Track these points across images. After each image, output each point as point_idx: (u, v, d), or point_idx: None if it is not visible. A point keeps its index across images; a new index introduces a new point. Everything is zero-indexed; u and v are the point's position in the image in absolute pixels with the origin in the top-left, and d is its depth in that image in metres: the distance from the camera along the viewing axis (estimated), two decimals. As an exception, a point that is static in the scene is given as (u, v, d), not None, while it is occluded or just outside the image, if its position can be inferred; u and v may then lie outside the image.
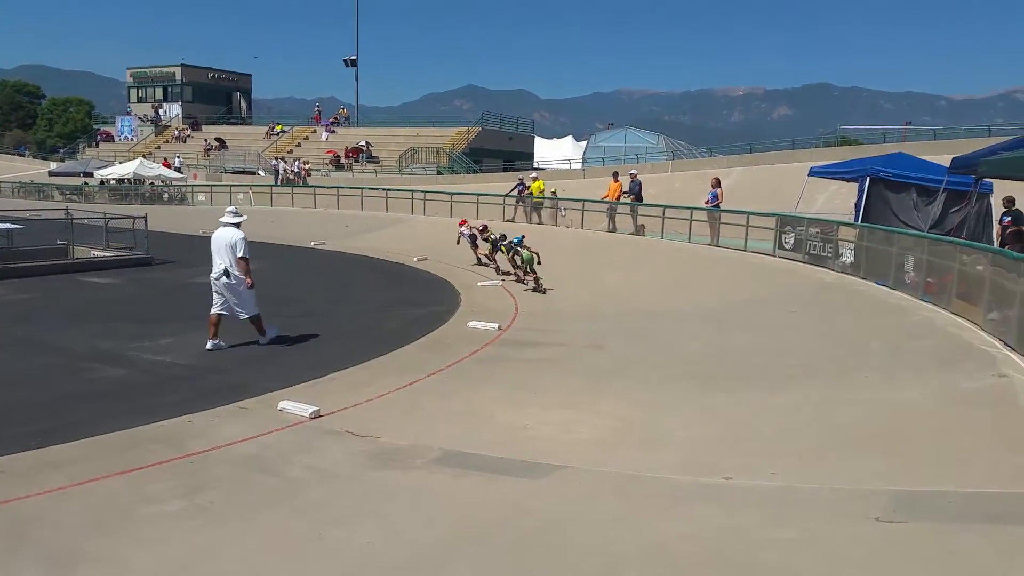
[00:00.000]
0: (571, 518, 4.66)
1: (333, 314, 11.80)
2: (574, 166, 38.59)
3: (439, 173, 37.57)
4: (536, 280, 14.50)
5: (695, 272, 14.97)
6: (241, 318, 9.50)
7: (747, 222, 16.16)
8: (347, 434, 6.32)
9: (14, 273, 14.78)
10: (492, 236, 16.77)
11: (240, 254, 9.20)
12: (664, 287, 14.15)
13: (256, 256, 11.06)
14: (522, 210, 23.68)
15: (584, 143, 50.65)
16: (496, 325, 10.74)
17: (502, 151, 43.91)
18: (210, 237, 9.62)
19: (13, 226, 17.06)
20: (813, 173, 18.02)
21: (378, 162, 41.82)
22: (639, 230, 19.36)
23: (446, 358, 9.08)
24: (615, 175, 21.65)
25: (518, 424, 6.60)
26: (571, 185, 28.22)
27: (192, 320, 11.29)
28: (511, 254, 15.23)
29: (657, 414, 6.92)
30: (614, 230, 20.08)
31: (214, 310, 9.37)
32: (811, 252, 14.45)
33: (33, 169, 49.77)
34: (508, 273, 15.81)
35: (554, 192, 23.79)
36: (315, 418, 6.69)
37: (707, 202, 18.37)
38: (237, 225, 9.43)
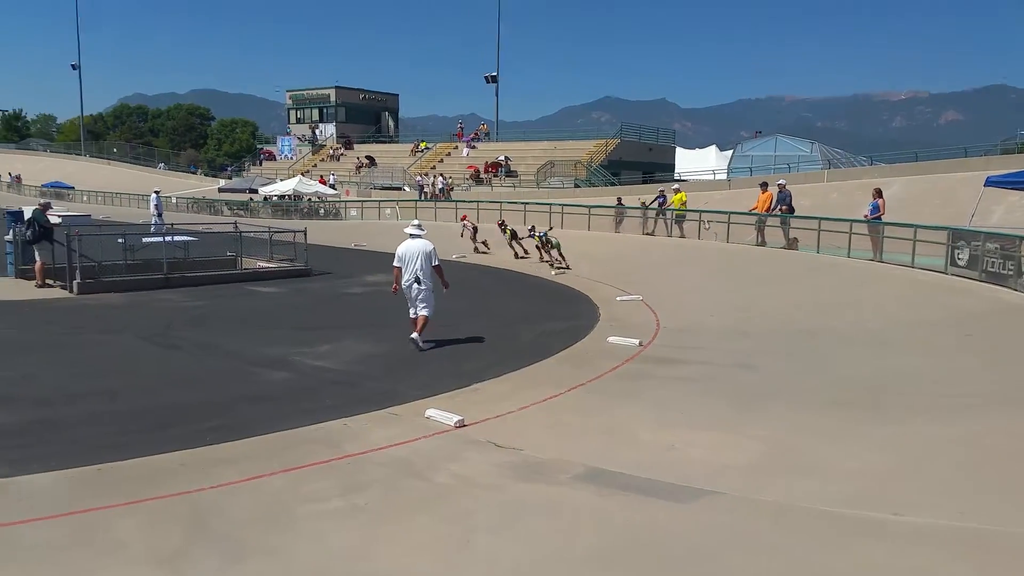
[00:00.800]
0: (723, 545, 4.48)
1: (473, 326, 12.04)
2: (719, 177, 37.52)
3: (576, 186, 37.65)
4: (564, 260, 20.09)
5: (855, 289, 14.08)
6: (418, 313, 10.33)
7: (914, 236, 15.02)
8: (491, 445, 6.41)
9: (190, 282, 16.12)
10: (511, 228, 22.90)
11: (435, 262, 10.34)
12: (820, 305, 13.41)
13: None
14: (663, 223, 23.22)
15: (729, 153, 49.18)
16: (637, 341, 10.57)
17: (642, 163, 43.44)
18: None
19: (189, 238, 18.60)
20: (990, 183, 16.61)
21: (516, 176, 42.46)
22: (791, 244, 18.47)
23: (586, 373, 9.03)
24: (763, 185, 20.79)
25: (663, 444, 6.44)
26: (715, 197, 27.47)
27: (346, 328, 11.92)
28: (543, 242, 20.59)
29: (814, 441, 6.55)
30: (763, 244, 19.29)
31: (412, 314, 10.41)
32: (989, 270, 13.24)
33: (204, 186, 54.15)
34: (522, 257, 22.36)
35: (683, 203, 23.11)
36: (460, 427, 6.83)
37: (867, 215, 17.31)
38: (422, 237, 10.47)
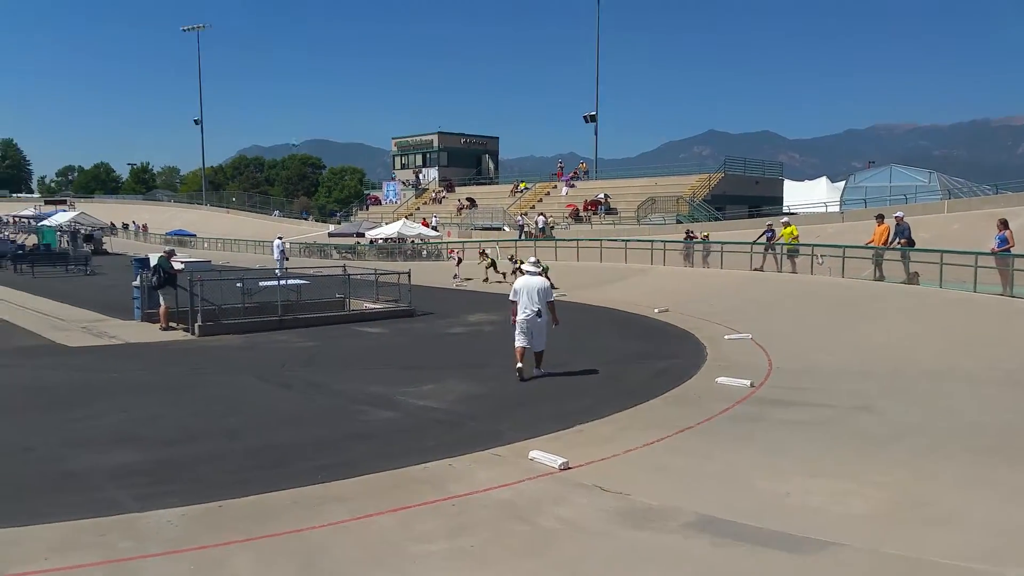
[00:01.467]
0: (850, 601, 4.19)
1: (575, 365, 11.92)
2: (831, 209, 36.17)
3: (679, 222, 37.09)
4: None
5: (985, 326, 13.15)
6: (536, 350, 10.85)
7: (1051, 269, 13.96)
8: (596, 488, 6.26)
9: (302, 323, 16.74)
10: (489, 257, 28.30)
11: (551, 299, 10.92)
12: (946, 343, 12.57)
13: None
14: (772, 258, 22.51)
15: (841, 184, 47.43)
16: (748, 382, 10.18)
17: (747, 196, 42.43)
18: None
19: (301, 281, 19.37)
20: None
21: (616, 213, 42.27)
22: (912, 278, 17.47)
23: (695, 415, 8.75)
24: (880, 217, 19.86)
25: (780, 491, 6.12)
26: (827, 230, 26.45)
27: (449, 368, 12.04)
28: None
29: (947, 490, 6.08)
30: (882, 278, 18.35)
31: (519, 344, 10.78)
32: None
33: (315, 231, 56.46)
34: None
35: (794, 237, 22.39)
36: (564, 470, 6.72)
37: (994, 248, 16.20)
38: (539, 273, 11.08)
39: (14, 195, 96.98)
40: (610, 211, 42.80)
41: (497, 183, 60.68)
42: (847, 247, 19.83)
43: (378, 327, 16.69)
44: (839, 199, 40.17)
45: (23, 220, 55.08)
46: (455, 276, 29.37)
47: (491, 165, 66.14)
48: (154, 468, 6.94)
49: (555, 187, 51.10)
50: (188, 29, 77.15)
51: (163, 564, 4.87)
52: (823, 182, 63.41)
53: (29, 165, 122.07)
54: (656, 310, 18.58)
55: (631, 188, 45.77)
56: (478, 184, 60.02)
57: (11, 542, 5.17)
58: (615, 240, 30.56)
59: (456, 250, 32.61)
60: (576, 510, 5.81)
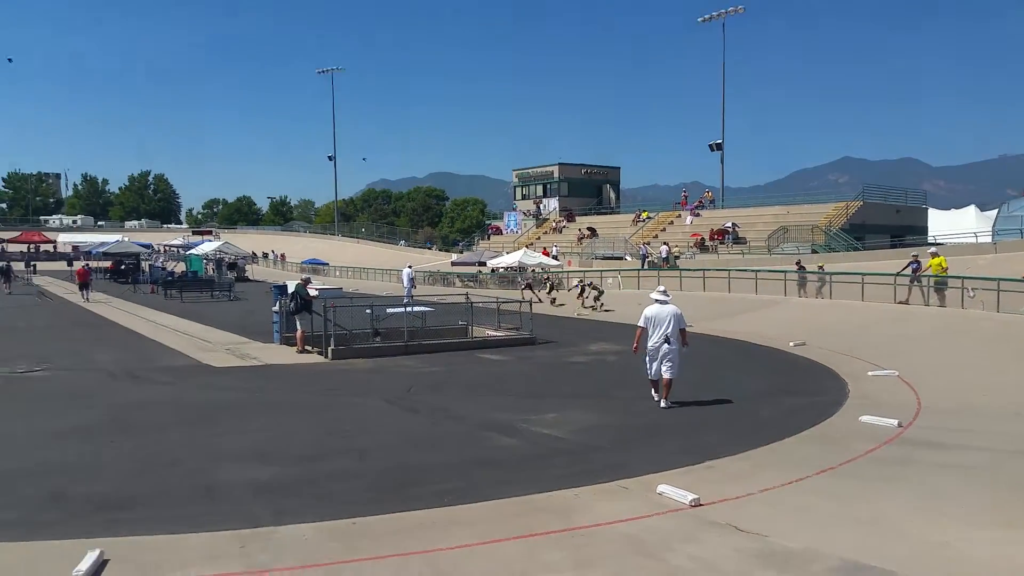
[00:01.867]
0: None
1: (705, 398, 11.55)
2: (982, 240, 33.63)
3: (814, 252, 35.53)
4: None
5: None
6: (666, 376, 10.79)
7: None
8: (730, 528, 5.98)
9: (426, 349, 17.11)
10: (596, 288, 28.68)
11: (683, 326, 10.96)
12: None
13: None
14: (918, 290, 21.12)
15: (992, 213, 44.11)
16: (895, 421, 9.51)
17: (888, 226, 40.12)
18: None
19: (426, 309, 19.85)
20: None
21: (745, 243, 41.00)
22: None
23: (837, 455, 8.24)
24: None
25: (935, 540, 5.64)
26: (979, 262, 24.65)
27: (572, 397, 11.93)
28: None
29: None
30: (1045, 313, 16.83)
31: (652, 374, 10.98)
32: None
33: (439, 260, 57.87)
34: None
35: (943, 268, 20.88)
36: (695, 506, 6.47)
37: None
38: (667, 302, 11.00)
39: (165, 226, 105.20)
40: (738, 240, 41.60)
41: (619, 212, 60.36)
42: (1002, 279, 18.35)
43: (500, 354, 16.81)
44: (991, 229, 37.29)
45: (173, 249, 59.46)
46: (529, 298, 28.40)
47: (612, 194, 65.92)
48: (290, 483, 7.22)
49: (679, 216, 50.25)
50: (323, 72, 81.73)
51: (298, 578, 5.02)
52: (971, 211, 59.11)
53: (178, 198, 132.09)
54: (791, 343, 17.79)
55: (760, 217, 44.35)
56: (599, 214, 59.92)
57: (163, 549, 5.49)
58: (744, 270, 29.61)
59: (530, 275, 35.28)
60: (708, 549, 5.56)
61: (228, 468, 7.71)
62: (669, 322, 10.77)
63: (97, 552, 5.13)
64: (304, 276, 20.58)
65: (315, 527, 5.92)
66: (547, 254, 46.18)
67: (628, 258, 43.98)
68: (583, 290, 28.82)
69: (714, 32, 53.74)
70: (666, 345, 10.72)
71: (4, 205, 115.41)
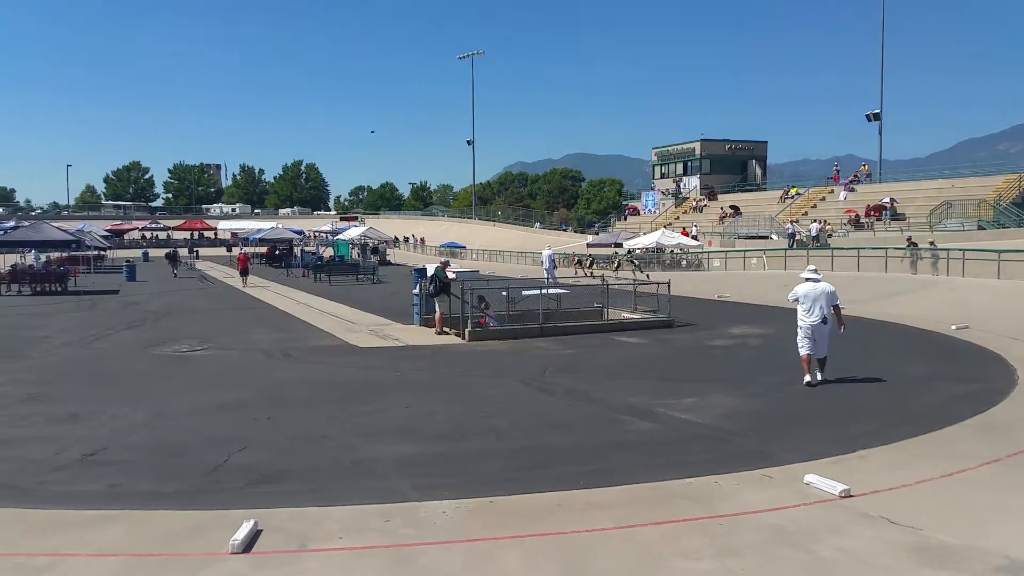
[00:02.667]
0: None
1: (856, 385, 10.91)
2: None
3: (981, 228, 32.71)
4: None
5: None
6: (819, 356, 10.90)
7: None
8: (883, 520, 5.65)
9: (561, 331, 17.11)
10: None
11: (836, 302, 10.93)
12: None
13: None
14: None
15: None
16: (1075, 412, 8.61)
17: (1072, 199, 36.34)
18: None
19: (561, 291, 19.85)
20: None
21: (904, 219, 38.30)
22: None
23: (1005, 446, 7.59)
24: None
25: (1125, 543, 5.05)
26: None
27: (712, 381, 11.58)
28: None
29: None
30: None
31: (805, 351, 10.91)
32: None
33: (574, 242, 57.80)
34: None
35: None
36: (845, 497, 6.14)
37: None
38: (819, 280, 11.04)
39: (315, 213, 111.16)
40: (896, 217, 38.92)
41: (764, 189, 58.07)
42: None
43: (636, 337, 16.56)
44: None
45: (322, 235, 62.76)
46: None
47: (758, 171, 63.38)
48: (431, 461, 7.42)
49: (831, 192, 47.69)
50: (464, 57, 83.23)
51: (439, 553, 5.16)
52: None
53: (327, 186, 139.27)
54: (953, 327, 16.49)
55: (922, 191, 41.33)
56: (743, 191, 57.85)
57: (312, 520, 5.79)
58: (902, 248, 27.68)
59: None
60: (859, 542, 5.27)
61: (372, 445, 8.03)
62: (823, 298, 10.78)
63: (252, 522, 5.48)
64: (443, 259, 21.11)
65: (455, 504, 6.06)
66: (686, 234, 45.09)
67: (774, 237, 42.23)
68: (618, 266, 29.22)
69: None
70: (822, 324, 10.73)
71: (170, 195, 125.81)
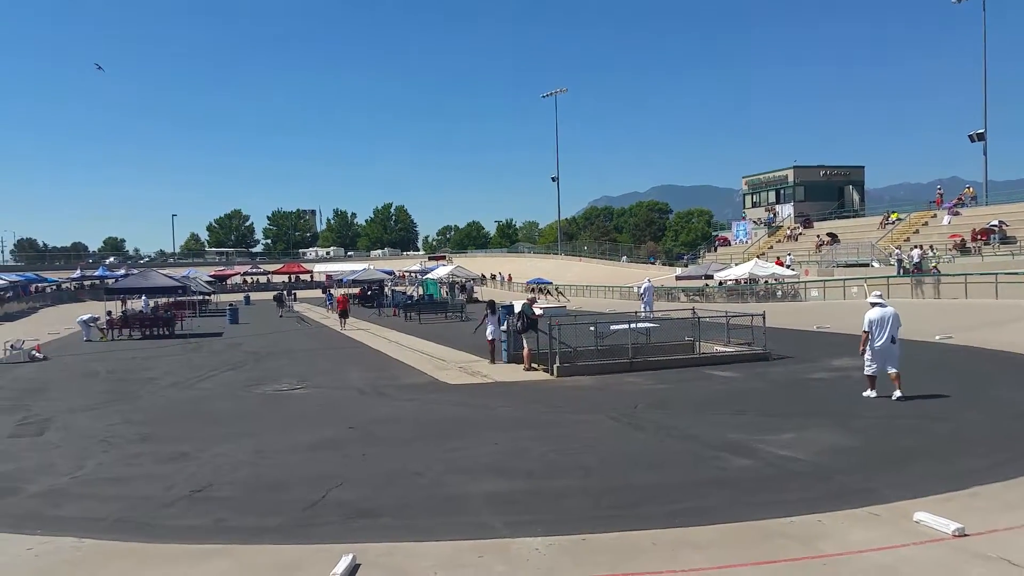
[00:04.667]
0: None
1: (964, 418, 10.33)
2: None
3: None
4: None
5: None
6: (895, 370, 11.89)
7: None
8: (1002, 561, 5.36)
9: (651, 365, 16.87)
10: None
11: (900, 326, 12.03)
12: None
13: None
14: None
15: None
16: None
17: None
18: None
19: (650, 325, 19.61)
20: None
21: (1014, 242, 36.16)
22: None
23: None
24: None
25: None
26: None
27: (812, 416, 11.17)
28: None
29: None
30: None
31: (871, 371, 12.11)
32: None
33: (662, 275, 57.11)
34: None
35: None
36: (959, 536, 5.81)
37: None
38: (885, 305, 12.12)
39: (404, 253, 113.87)
40: (1006, 240, 36.81)
41: (863, 215, 56.07)
42: None
43: (730, 371, 16.15)
44: None
45: (411, 274, 64.19)
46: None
47: (855, 196, 61.28)
48: (522, 497, 7.42)
49: (934, 216, 45.60)
50: (547, 95, 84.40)
51: (531, 591, 5.12)
52: None
53: (416, 227, 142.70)
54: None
55: (1032, 213, 39.00)
56: (840, 218, 55.98)
57: (408, 555, 5.88)
58: (1016, 274, 26.13)
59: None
60: (976, 584, 4.94)
61: (464, 481, 8.09)
62: (891, 322, 11.85)
63: (351, 556, 5.60)
64: (530, 296, 21.24)
65: (546, 541, 6.04)
66: (780, 264, 43.91)
67: (875, 264, 40.63)
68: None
69: (973, 7, 48.02)
70: (891, 344, 11.82)
71: (269, 240, 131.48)
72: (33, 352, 22.65)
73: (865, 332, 12.02)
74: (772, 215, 60.83)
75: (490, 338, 18.74)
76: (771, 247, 55.16)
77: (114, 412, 13.29)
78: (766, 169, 65.15)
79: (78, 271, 77.84)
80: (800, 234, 54.84)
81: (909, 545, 5.73)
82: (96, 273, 74.23)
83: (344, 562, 5.49)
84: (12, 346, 22.83)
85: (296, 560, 5.88)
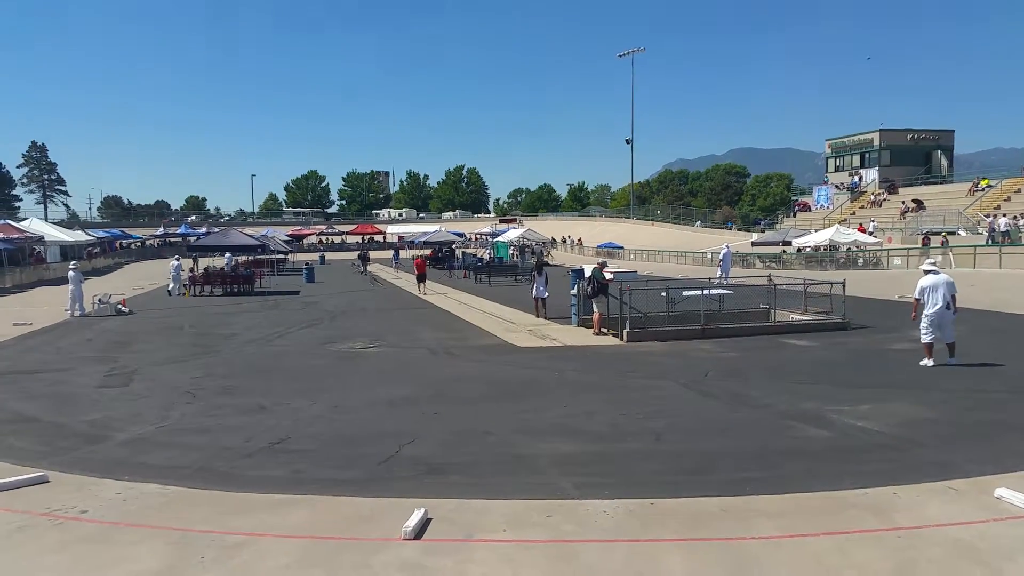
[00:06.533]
0: None
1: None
2: None
3: None
4: None
5: None
6: (947, 341, 12.20)
7: None
8: (1091, 541, 5.09)
9: (724, 333, 16.61)
10: None
11: (954, 293, 12.20)
12: None
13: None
14: None
15: None
16: None
17: None
18: (907, 301, 11.37)
19: (724, 291, 19.25)
20: None
21: (1120, 211, 34.02)
22: None
23: None
24: None
25: None
26: None
27: (890, 387, 10.86)
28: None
29: None
30: None
31: (928, 338, 12.21)
32: None
33: (738, 240, 55.78)
34: None
35: None
36: (1043, 515, 5.58)
37: None
38: (939, 272, 12.44)
39: (475, 216, 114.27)
40: (1107, 208, 34.68)
41: (951, 182, 53.50)
42: None
43: (807, 340, 15.76)
44: None
45: (481, 237, 64.40)
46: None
47: (944, 162, 58.44)
48: (590, 460, 7.48)
49: (1028, 183, 43.19)
50: (623, 55, 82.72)
51: (600, 550, 5.20)
52: None
53: (487, 189, 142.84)
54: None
55: None
56: (927, 183, 53.58)
57: (477, 512, 6.01)
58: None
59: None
60: (1063, 565, 4.77)
61: (533, 442, 8.19)
62: (943, 288, 12.04)
63: (422, 511, 5.77)
64: (600, 260, 21.07)
65: (615, 504, 6.08)
66: (863, 230, 42.40)
67: (962, 232, 38.84)
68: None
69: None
70: (946, 311, 12.01)
71: (344, 202, 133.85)
72: (119, 306, 23.79)
73: (916, 299, 12.38)
74: (856, 180, 58.59)
75: (535, 296, 20.55)
76: (853, 213, 53.27)
77: (196, 365, 13.89)
78: (851, 132, 62.65)
79: (161, 228, 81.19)
80: (884, 200, 52.76)
81: (988, 521, 5.56)
82: (179, 231, 77.17)
83: (416, 516, 5.66)
84: (100, 300, 24.01)
85: (370, 512, 6.08)
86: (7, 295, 31.71)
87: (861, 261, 38.00)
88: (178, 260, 32.41)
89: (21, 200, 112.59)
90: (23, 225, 46.12)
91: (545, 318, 20.10)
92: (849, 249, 39.15)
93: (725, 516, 5.77)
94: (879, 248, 38.71)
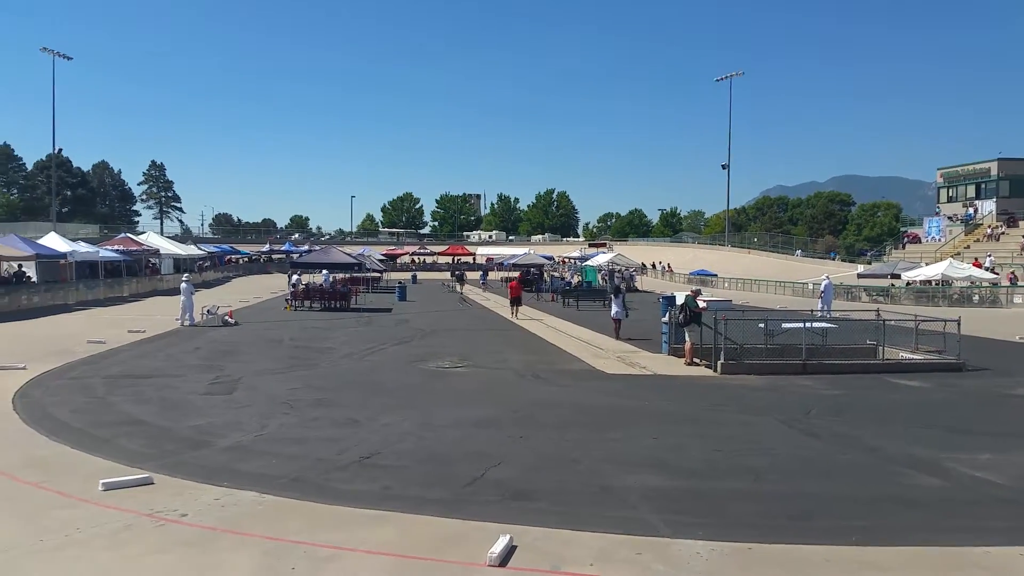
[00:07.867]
0: None
1: None
2: None
3: None
4: None
5: None
6: None
7: None
8: None
9: (827, 369, 15.79)
10: None
11: None
12: None
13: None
14: None
15: None
16: None
17: None
18: None
19: (828, 325, 18.36)
20: None
21: None
22: None
23: None
24: None
25: None
26: None
27: (1011, 436, 10.09)
28: None
29: None
30: None
31: None
32: None
33: (842, 271, 53.52)
34: None
35: None
36: None
37: None
38: None
39: (564, 239, 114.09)
40: None
41: (1084, 213, 50.00)
42: None
43: (917, 380, 14.83)
44: None
45: (570, 260, 64.13)
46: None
47: (1072, 192, 54.69)
48: (682, 496, 7.15)
49: None
50: (721, 79, 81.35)
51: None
52: None
53: (577, 213, 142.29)
54: None
55: None
56: (1054, 216, 50.23)
57: (563, 542, 5.81)
58: None
59: None
60: None
61: (621, 473, 7.92)
62: None
63: (508, 537, 5.62)
64: (694, 288, 20.54)
65: (709, 546, 5.76)
66: (979, 265, 40.01)
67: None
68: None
69: None
70: None
71: (436, 223, 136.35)
72: (226, 317, 24.83)
73: None
74: (971, 211, 55.47)
75: (614, 317, 21.86)
76: (967, 246, 50.39)
77: (295, 377, 14.23)
78: (966, 161, 59.46)
79: (267, 245, 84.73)
80: (1003, 233, 49.70)
81: None
82: (283, 248, 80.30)
83: (502, 542, 5.51)
84: (208, 311, 25.11)
85: (455, 535, 5.98)
86: (124, 303, 33.64)
87: (977, 298, 35.81)
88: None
89: (140, 215, 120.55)
90: (141, 238, 49.06)
91: (616, 338, 21.06)
92: (964, 285, 36.98)
93: (829, 567, 5.37)
94: (997, 285, 36.39)
